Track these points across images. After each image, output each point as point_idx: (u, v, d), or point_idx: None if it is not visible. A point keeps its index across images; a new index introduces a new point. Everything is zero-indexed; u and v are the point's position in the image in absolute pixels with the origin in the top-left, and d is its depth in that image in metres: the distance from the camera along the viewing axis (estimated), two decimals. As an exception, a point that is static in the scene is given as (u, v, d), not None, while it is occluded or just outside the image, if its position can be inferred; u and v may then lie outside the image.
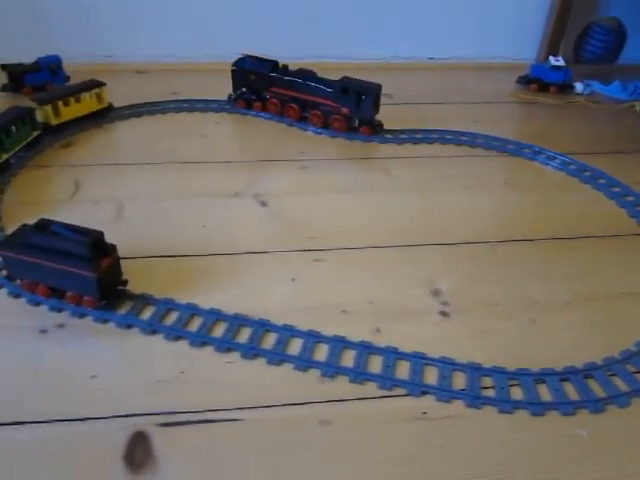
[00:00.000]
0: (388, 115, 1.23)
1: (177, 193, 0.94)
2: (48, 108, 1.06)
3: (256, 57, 1.21)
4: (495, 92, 1.42)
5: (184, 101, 1.26)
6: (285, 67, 1.18)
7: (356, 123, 1.15)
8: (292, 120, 1.18)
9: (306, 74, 1.15)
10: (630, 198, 0.98)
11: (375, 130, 1.15)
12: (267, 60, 1.19)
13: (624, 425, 0.59)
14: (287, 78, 1.16)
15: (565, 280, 0.79)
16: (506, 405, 0.60)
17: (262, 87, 1.19)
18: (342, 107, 1.12)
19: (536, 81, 1.42)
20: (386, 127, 1.17)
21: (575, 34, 1.61)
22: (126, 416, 0.57)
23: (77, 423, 0.57)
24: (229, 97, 1.24)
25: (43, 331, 0.67)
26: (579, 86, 1.42)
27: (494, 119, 1.26)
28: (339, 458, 0.54)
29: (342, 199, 0.95)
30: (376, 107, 1.11)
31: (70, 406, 0.58)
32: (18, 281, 0.72)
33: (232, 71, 1.21)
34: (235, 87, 1.22)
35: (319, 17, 1.47)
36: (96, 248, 0.66)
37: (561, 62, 1.40)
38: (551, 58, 1.41)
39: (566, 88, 1.41)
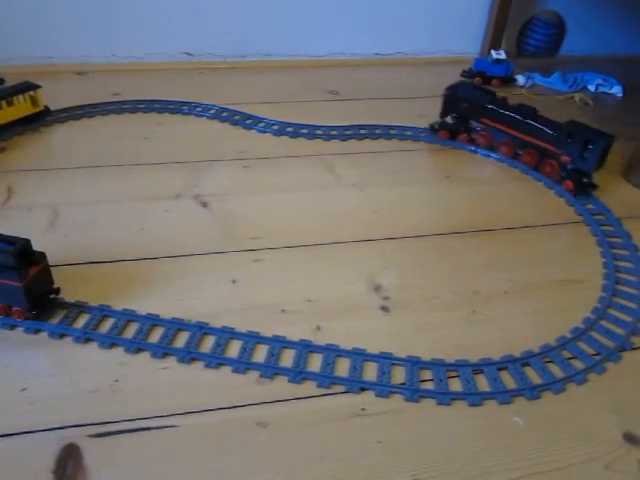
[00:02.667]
0: (334, 112, 1.24)
1: (115, 197, 0.92)
2: (-22, 112, 1.02)
3: (473, 85, 1.17)
4: (440, 86, 1.41)
5: (126, 102, 1.23)
6: (504, 100, 1.08)
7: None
8: (502, 156, 1.09)
9: (527, 111, 1.03)
10: (568, 187, 1.00)
11: (583, 189, 0.98)
12: (485, 90, 1.11)
13: (559, 410, 0.60)
14: (506, 113, 1.05)
15: (504, 270, 0.80)
16: (444, 397, 0.61)
17: (473, 117, 1.11)
18: (562, 153, 0.98)
19: (479, 75, 1.44)
20: (332, 124, 1.17)
21: (517, 28, 1.64)
22: (56, 429, 0.56)
23: (5, 439, 0.55)
24: (431, 126, 1.17)
25: (-31, 345, 0.64)
26: (521, 78, 1.45)
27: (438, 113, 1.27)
28: (276, 459, 0.54)
29: (284, 198, 0.94)
30: (602, 160, 0.94)
31: (-3, 421, 0.56)
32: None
33: (444, 96, 1.13)
34: (443, 113, 1.14)
35: (263, 14, 1.46)
36: (23, 257, 0.64)
37: (503, 55, 1.42)
38: (493, 52, 1.43)
39: (508, 81, 1.44)
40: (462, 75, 1.46)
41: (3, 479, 0.51)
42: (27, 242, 0.64)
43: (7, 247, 0.63)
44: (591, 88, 1.45)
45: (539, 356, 0.67)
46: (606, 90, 1.44)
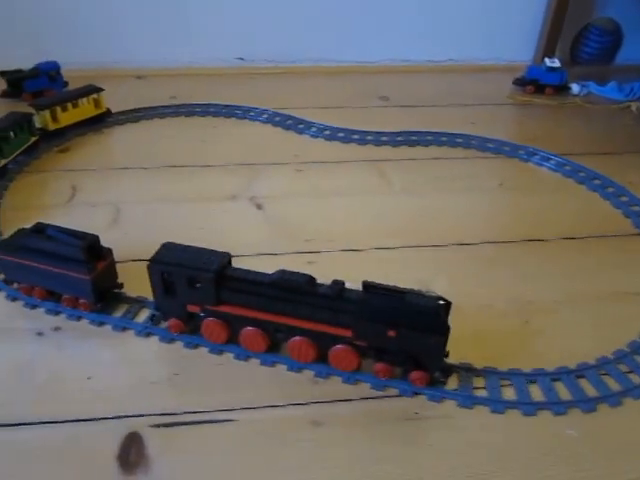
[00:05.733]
0: (384, 117, 1.25)
1: (174, 197, 0.95)
2: (46, 114, 1.07)
3: None
4: (491, 94, 1.42)
5: (182, 105, 1.27)
6: None
7: None
8: None
9: None
10: (625, 198, 0.98)
11: None
12: None
13: (615, 424, 0.60)
14: None
15: (558, 281, 0.79)
16: (498, 405, 0.61)
17: None
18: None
19: (532, 83, 1.42)
20: (383, 130, 1.17)
21: (571, 35, 1.61)
22: (120, 417, 0.58)
23: (72, 424, 0.57)
24: None
25: (40, 334, 0.67)
26: (575, 87, 1.42)
27: (490, 121, 1.27)
28: (329, 458, 0.55)
29: (336, 202, 0.95)
30: None
31: (66, 407, 0.59)
32: (16, 285, 0.73)
33: None
34: None
35: (318, 20, 1.48)
36: (91, 252, 0.67)
37: (557, 63, 1.40)
38: (547, 59, 1.41)
39: (562, 89, 1.42)
40: (514, 83, 1.45)
41: (72, 462, 0.54)
42: (96, 238, 0.68)
43: (77, 242, 0.66)
44: (648, 98, 1.41)
45: (595, 368, 0.66)
46: (664, 100, 1.41)
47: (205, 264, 0.62)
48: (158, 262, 0.63)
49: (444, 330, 0.59)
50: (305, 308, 0.61)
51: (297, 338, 0.63)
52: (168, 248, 0.65)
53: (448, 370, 0.63)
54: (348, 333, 0.61)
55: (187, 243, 0.65)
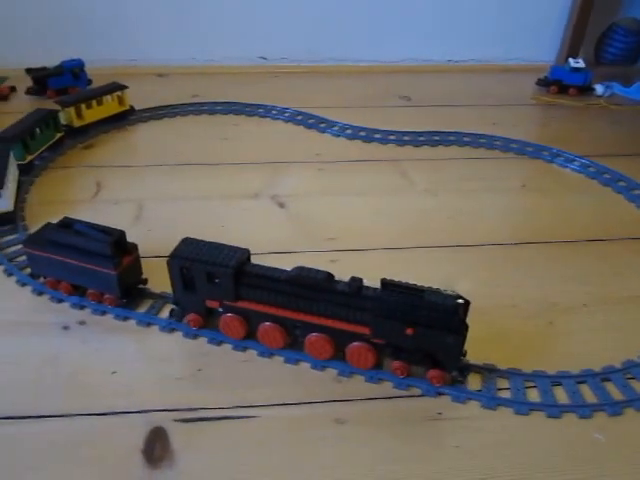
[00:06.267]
0: (406, 117, 1.24)
1: (196, 194, 0.96)
2: (71, 110, 1.09)
3: None
4: (514, 94, 1.41)
5: (204, 104, 1.27)
6: None
7: None
8: None
9: None
10: (651, 200, 0.97)
11: None
12: None
13: (642, 428, 0.59)
14: None
15: (583, 283, 0.79)
16: (522, 407, 0.60)
17: None
18: None
19: (556, 83, 1.41)
20: (404, 129, 1.17)
21: (595, 35, 1.60)
22: (145, 412, 0.58)
23: (97, 418, 0.58)
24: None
25: (66, 327, 0.68)
26: (599, 88, 1.41)
27: (513, 121, 1.26)
28: (352, 456, 0.55)
29: (358, 201, 0.95)
30: None
31: (91, 401, 0.60)
32: (42, 278, 0.74)
33: None
34: None
35: (337, 20, 1.48)
36: (117, 247, 0.68)
37: (581, 64, 1.39)
38: (571, 60, 1.40)
39: (586, 90, 1.40)
40: (537, 83, 1.44)
41: (97, 455, 0.54)
42: (122, 233, 0.68)
43: (105, 237, 0.67)
44: (674, 99, 1.39)
45: (621, 372, 0.65)
46: (691, 101, 1.39)
47: (224, 260, 0.63)
48: (177, 257, 0.64)
49: (462, 329, 0.58)
50: (323, 305, 0.61)
51: (315, 335, 0.63)
52: (188, 243, 0.65)
53: (466, 369, 0.63)
54: (366, 330, 0.61)
55: (209, 240, 0.66)
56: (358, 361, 0.63)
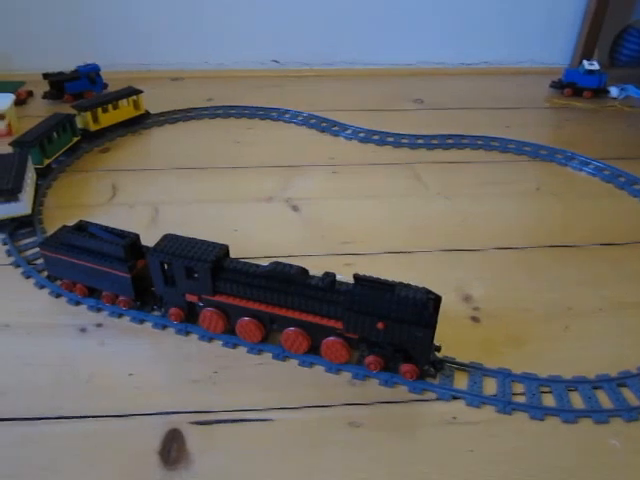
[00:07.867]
0: (419, 120, 1.24)
1: (210, 198, 0.96)
2: (87, 115, 1.10)
3: None
4: (528, 97, 1.41)
5: (218, 107, 1.28)
6: None
7: None
8: None
9: None
10: (667, 204, 0.96)
11: None
12: None
13: (659, 434, 0.58)
14: None
15: (599, 287, 0.78)
16: (538, 412, 0.60)
17: None
18: None
19: (570, 86, 1.40)
20: (417, 132, 1.17)
21: (610, 37, 1.59)
22: (162, 413, 0.59)
23: (114, 419, 0.59)
24: None
25: (83, 330, 0.69)
26: (614, 90, 1.40)
27: (526, 124, 1.25)
28: (366, 460, 0.55)
29: (372, 204, 0.96)
30: None
31: (108, 403, 0.60)
32: (59, 281, 0.75)
33: None
34: None
35: (350, 23, 1.49)
36: (132, 250, 0.68)
37: (595, 66, 1.38)
38: (585, 62, 1.39)
39: (601, 92, 1.39)
40: (551, 86, 1.43)
41: (115, 456, 0.55)
42: (137, 237, 0.69)
43: (119, 240, 0.68)
44: (691, 101, 1.38)
45: (638, 377, 0.64)
46: None
47: (202, 255, 0.64)
48: (157, 252, 0.65)
49: (432, 323, 0.59)
50: (297, 299, 0.62)
51: (291, 329, 0.64)
52: (168, 239, 0.67)
53: (439, 364, 0.63)
54: (339, 325, 0.61)
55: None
56: (332, 356, 0.64)
